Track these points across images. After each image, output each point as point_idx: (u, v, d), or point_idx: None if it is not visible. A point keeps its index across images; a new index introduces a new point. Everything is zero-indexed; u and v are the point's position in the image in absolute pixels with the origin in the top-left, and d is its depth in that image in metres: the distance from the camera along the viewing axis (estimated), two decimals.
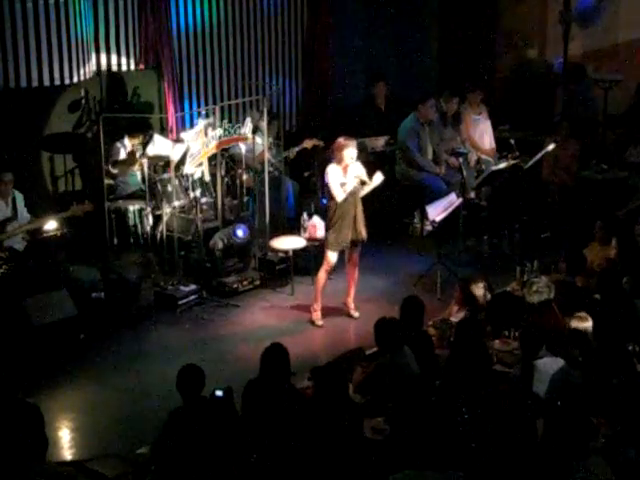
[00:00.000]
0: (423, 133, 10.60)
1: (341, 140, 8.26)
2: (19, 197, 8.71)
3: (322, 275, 8.49)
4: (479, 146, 11.23)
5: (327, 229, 8.44)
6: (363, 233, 8.36)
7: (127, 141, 9.74)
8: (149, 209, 9.36)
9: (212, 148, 9.10)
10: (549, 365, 6.09)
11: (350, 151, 8.19)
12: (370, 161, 11.13)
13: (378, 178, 8.32)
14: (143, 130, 9.90)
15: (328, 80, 12.32)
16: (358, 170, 8.32)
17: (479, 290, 7.34)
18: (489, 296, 7.43)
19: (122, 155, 9.68)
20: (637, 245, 8.63)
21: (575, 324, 6.48)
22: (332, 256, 8.39)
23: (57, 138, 9.87)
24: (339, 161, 8.23)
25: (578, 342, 6.37)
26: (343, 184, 8.16)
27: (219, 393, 5.80)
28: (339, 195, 8.16)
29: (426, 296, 8.31)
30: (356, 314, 8.66)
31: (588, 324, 6.46)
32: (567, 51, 12.42)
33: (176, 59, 10.71)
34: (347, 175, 8.23)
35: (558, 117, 12.07)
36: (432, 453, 4.61)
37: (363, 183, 8.28)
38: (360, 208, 8.32)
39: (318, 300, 8.57)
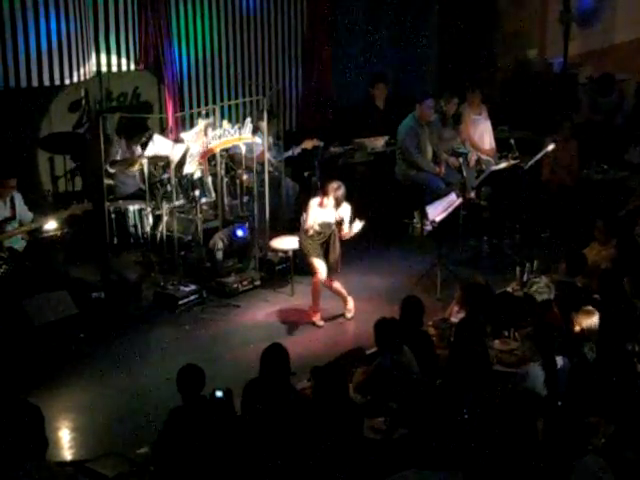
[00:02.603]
0: (422, 133, 10.60)
1: (330, 185, 8.28)
2: (17, 196, 8.71)
3: (316, 282, 8.49)
4: (479, 146, 11.23)
5: (299, 242, 8.53)
6: (334, 268, 8.43)
7: (124, 142, 9.77)
8: (149, 209, 9.36)
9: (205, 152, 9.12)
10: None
11: (328, 200, 8.23)
12: (370, 161, 11.20)
13: (357, 225, 8.34)
14: (141, 131, 9.90)
15: (328, 80, 12.33)
16: (344, 211, 8.33)
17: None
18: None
19: (119, 155, 9.69)
20: (637, 245, 8.63)
21: (582, 318, 6.46)
22: (317, 262, 8.39)
23: (57, 138, 9.87)
24: (320, 201, 8.29)
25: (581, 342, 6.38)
26: (316, 219, 8.23)
27: (219, 394, 5.79)
28: (308, 230, 8.26)
29: (426, 296, 8.32)
30: (349, 315, 8.67)
31: (595, 318, 6.44)
32: (567, 51, 12.44)
33: (176, 59, 10.72)
34: (327, 212, 8.26)
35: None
36: (432, 453, 4.61)
37: (340, 224, 8.29)
38: (336, 245, 8.37)
39: (317, 304, 8.58)
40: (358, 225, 8.35)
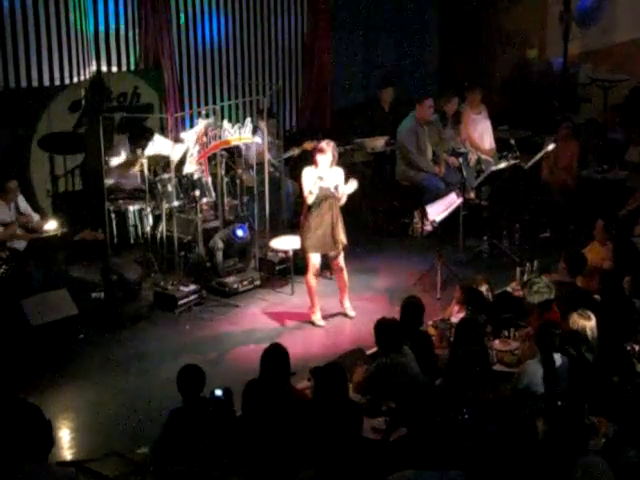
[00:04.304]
0: (422, 133, 10.60)
1: (322, 144, 8.23)
2: (20, 199, 8.72)
3: (310, 279, 8.44)
4: (479, 146, 11.23)
5: (300, 232, 8.42)
6: (342, 240, 8.32)
7: (129, 145, 9.80)
8: (149, 209, 9.36)
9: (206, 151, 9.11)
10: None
11: (323, 158, 8.14)
12: (370, 161, 11.20)
13: (352, 186, 8.26)
14: (144, 134, 9.91)
15: (328, 80, 12.33)
16: (337, 174, 8.27)
17: (483, 290, 7.36)
18: (490, 296, 7.44)
19: (122, 156, 9.71)
20: (634, 246, 8.62)
21: (577, 320, 6.44)
22: (313, 258, 8.36)
23: (57, 138, 9.88)
24: (316, 164, 8.23)
25: (576, 341, 6.36)
26: (318, 179, 8.07)
27: (219, 393, 5.80)
28: (309, 197, 8.16)
29: (426, 296, 8.32)
30: (352, 313, 8.63)
31: (592, 322, 6.41)
32: (567, 51, 12.45)
33: (176, 59, 10.72)
34: (323, 174, 8.13)
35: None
36: (432, 453, 4.61)
37: (336, 189, 8.19)
38: (338, 216, 8.27)
39: (314, 303, 8.55)
40: (352, 185, 8.27)
